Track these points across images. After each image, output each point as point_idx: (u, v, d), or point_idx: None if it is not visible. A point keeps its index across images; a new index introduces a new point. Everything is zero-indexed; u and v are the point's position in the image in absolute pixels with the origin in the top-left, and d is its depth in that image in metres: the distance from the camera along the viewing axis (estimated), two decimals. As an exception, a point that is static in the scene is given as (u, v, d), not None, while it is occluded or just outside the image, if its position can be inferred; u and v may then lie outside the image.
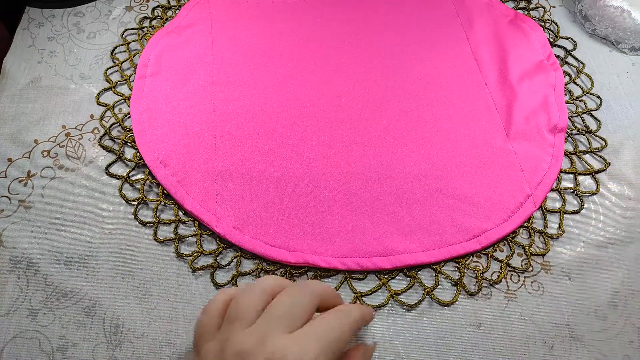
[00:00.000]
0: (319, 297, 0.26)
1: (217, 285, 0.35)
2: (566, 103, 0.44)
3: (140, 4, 0.51)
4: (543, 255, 0.37)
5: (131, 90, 0.45)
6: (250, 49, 0.47)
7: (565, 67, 0.47)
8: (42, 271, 0.36)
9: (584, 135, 0.42)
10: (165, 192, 0.39)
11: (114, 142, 0.42)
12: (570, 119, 0.43)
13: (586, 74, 0.46)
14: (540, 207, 0.38)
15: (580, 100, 0.44)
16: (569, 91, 0.45)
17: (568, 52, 0.47)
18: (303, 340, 0.24)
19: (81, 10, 0.51)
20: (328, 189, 0.39)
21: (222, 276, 0.36)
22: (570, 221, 0.38)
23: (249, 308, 0.25)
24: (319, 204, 0.38)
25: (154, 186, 0.40)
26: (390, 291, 0.35)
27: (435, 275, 0.36)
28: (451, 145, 0.41)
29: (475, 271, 0.36)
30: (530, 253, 0.37)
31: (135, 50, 0.48)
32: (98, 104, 0.44)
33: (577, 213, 0.39)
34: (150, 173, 0.40)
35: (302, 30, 0.49)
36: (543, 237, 0.37)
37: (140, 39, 0.48)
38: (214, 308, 0.26)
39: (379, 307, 0.35)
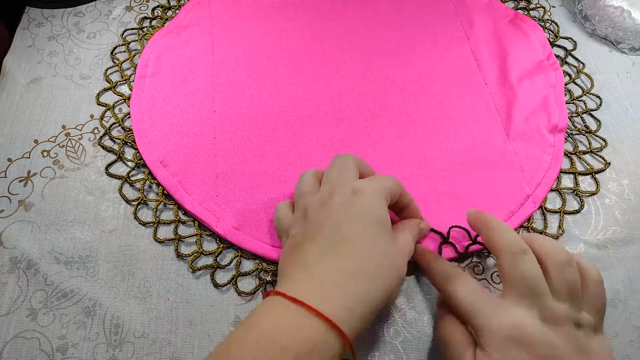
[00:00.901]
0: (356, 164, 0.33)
1: (217, 286, 0.35)
2: (566, 103, 0.44)
3: (140, 4, 0.51)
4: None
5: (131, 90, 0.45)
6: (250, 49, 0.47)
7: (565, 67, 0.47)
8: (42, 271, 0.36)
9: (584, 135, 0.42)
10: (165, 192, 0.39)
11: (114, 142, 0.42)
12: (570, 119, 0.43)
13: (586, 74, 0.46)
14: (540, 207, 0.38)
15: (580, 100, 0.44)
16: (569, 91, 0.45)
17: (568, 52, 0.47)
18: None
19: (81, 10, 0.51)
20: (328, 189, 0.39)
21: (222, 276, 0.36)
22: (570, 221, 0.38)
23: (348, 178, 0.31)
24: (319, 204, 0.38)
25: (154, 186, 0.40)
26: (390, 291, 0.35)
27: (435, 275, 0.36)
28: (451, 145, 0.41)
29: (476, 271, 0.36)
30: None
31: (135, 50, 0.48)
32: (98, 104, 0.44)
33: (577, 213, 0.39)
34: (150, 173, 0.40)
35: (302, 30, 0.49)
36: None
37: (140, 39, 0.48)
38: (311, 175, 0.34)
39: (379, 307, 0.35)
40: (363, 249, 0.28)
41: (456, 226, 0.36)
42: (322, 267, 0.27)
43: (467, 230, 0.36)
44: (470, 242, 0.36)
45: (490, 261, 0.37)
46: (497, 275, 0.36)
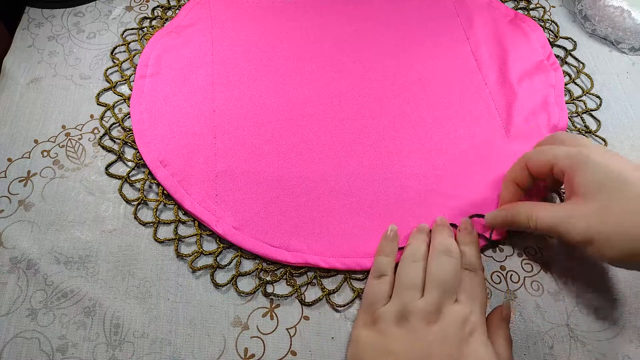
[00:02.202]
0: (459, 258, 0.33)
1: (217, 286, 0.35)
2: (566, 103, 0.44)
3: (140, 4, 0.51)
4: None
5: (131, 90, 0.45)
6: (250, 49, 0.47)
7: (565, 67, 0.47)
8: (42, 271, 0.36)
9: (583, 135, 0.42)
10: (165, 192, 0.39)
11: (114, 142, 0.42)
12: (570, 119, 0.43)
13: (586, 74, 0.46)
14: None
15: (580, 100, 0.44)
16: (569, 91, 0.45)
17: (568, 52, 0.47)
18: (467, 305, 0.31)
19: (81, 10, 0.51)
20: (328, 189, 0.39)
21: (222, 276, 0.36)
22: (570, 221, 0.38)
23: (417, 279, 0.32)
24: (319, 204, 0.38)
25: (154, 186, 0.40)
26: (390, 291, 0.35)
27: (435, 275, 0.36)
28: (451, 145, 0.41)
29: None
30: (530, 253, 0.37)
31: (135, 50, 0.48)
32: (98, 104, 0.44)
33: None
34: (150, 173, 0.40)
35: (302, 30, 0.49)
36: (543, 236, 0.37)
37: (140, 39, 0.48)
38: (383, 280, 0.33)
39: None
40: None
41: (452, 224, 0.36)
42: None
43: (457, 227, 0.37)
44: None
45: (491, 261, 0.37)
46: (498, 276, 0.36)
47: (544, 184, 0.37)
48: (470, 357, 0.28)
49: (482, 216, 0.36)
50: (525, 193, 0.36)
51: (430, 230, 0.36)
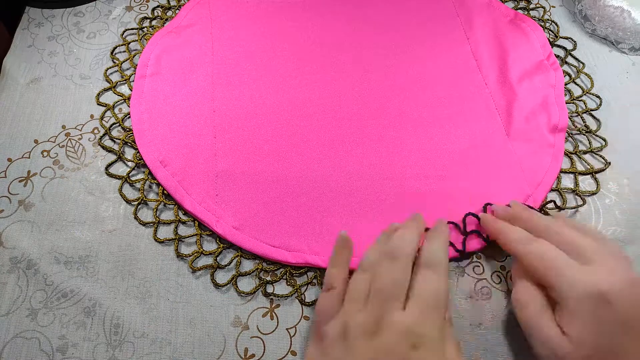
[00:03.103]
0: (410, 265, 0.30)
1: (217, 286, 0.35)
2: (566, 103, 0.44)
3: (140, 4, 0.51)
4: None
5: (131, 90, 0.45)
6: (250, 49, 0.47)
7: (565, 67, 0.47)
8: (42, 271, 0.36)
9: (584, 135, 0.42)
10: (165, 192, 0.39)
11: (114, 142, 0.42)
12: (570, 118, 0.43)
13: (586, 74, 0.46)
14: (541, 207, 0.38)
15: (580, 100, 0.44)
16: (569, 91, 0.45)
17: (568, 52, 0.47)
18: (413, 312, 0.28)
19: (81, 10, 0.51)
20: (328, 189, 0.39)
21: (222, 276, 0.36)
22: (570, 221, 0.38)
23: (360, 292, 0.29)
24: (319, 204, 0.38)
25: (154, 186, 0.40)
26: (390, 291, 0.35)
27: (435, 275, 0.36)
28: (451, 145, 0.41)
29: (476, 272, 0.36)
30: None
31: (135, 50, 0.48)
32: (98, 104, 0.44)
33: (577, 213, 0.39)
34: (150, 173, 0.40)
35: (302, 30, 0.49)
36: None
37: (140, 39, 0.48)
38: (333, 292, 0.31)
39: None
40: None
41: (451, 222, 0.36)
42: None
43: (458, 226, 0.37)
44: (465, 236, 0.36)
45: (491, 262, 0.37)
46: (497, 276, 0.36)
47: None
48: None
49: (477, 216, 0.36)
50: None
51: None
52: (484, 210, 0.37)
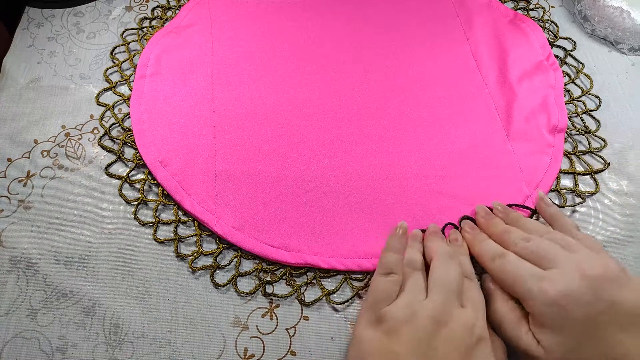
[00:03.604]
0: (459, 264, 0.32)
1: (216, 286, 0.35)
2: (566, 103, 0.44)
3: (140, 4, 0.51)
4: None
5: (131, 90, 0.45)
6: (250, 49, 0.47)
7: (565, 68, 0.47)
8: (42, 271, 0.36)
9: (583, 135, 0.42)
10: (164, 192, 0.39)
11: (114, 142, 0.42)
12: (569, 119, 0.43)
13: (585, 74, 0.46)
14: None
15: (579, 101, 0.45)
16: (569, 91, 0.45)
17: (567, 53, 0.47)
18: (474, 313, 0.30)
19: (81, 10, 0.51)
20: (328, 189, 0.39)
21: (221, 276, 0.36)
22: (570, 221, 0.38)
23: (422, 284, 0.31)
24: (319, 204, 0.38)
25: (154, 186, 0.40)
26: (389, 291, 0.35)
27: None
28: (451, 145, 0.41)
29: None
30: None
31: (135, 50, 0.48)
32: (98, 104, 0.44)
33: (576, 213, 0.39)
34: (150, 173, 0.40)
35: (302, 30, 0.49)
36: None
37: (140, 39, 0.48)
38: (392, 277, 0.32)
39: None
40: None
41: (450, 223, 0.36)
42: None
43: (456, 227, 0.37)
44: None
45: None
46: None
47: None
48: None
49: (472, 219, 0.37)
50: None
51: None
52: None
